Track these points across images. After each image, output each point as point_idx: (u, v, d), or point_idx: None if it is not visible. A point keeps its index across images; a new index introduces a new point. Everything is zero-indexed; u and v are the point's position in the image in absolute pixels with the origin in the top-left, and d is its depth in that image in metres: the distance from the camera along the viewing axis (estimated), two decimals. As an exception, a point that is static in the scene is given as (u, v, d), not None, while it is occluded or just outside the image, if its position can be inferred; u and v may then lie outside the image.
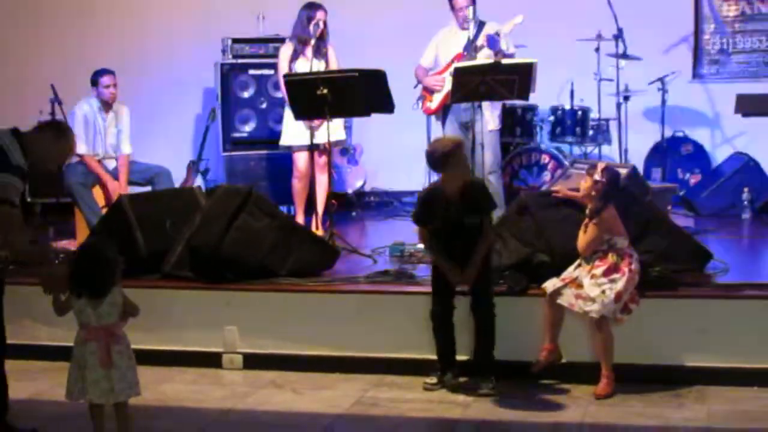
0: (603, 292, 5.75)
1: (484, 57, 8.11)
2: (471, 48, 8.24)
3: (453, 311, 6.08)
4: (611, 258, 5.81)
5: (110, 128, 8.81)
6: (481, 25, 8.33)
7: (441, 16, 8.57)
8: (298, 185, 8.71)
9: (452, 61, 8.26)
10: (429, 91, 8.59)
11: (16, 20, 11.13)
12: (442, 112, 8.56)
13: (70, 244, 8.22)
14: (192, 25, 10.80)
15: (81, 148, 8.55)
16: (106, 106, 8.76)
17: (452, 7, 8.38)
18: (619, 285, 5.76)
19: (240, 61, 9.96)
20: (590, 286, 5.80)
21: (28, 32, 11.11)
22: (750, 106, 8.49)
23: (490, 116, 8.33)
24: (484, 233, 5.94)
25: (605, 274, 5.79)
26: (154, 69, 10.83)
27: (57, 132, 5.49)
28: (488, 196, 6.13)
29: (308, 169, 8.59)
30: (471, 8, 8.20)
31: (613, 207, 5.82)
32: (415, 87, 8.83)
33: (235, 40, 9.98)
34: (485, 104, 8.10)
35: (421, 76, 8.66)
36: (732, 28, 10.36)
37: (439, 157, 5.94)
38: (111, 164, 8.80)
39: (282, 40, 8.93)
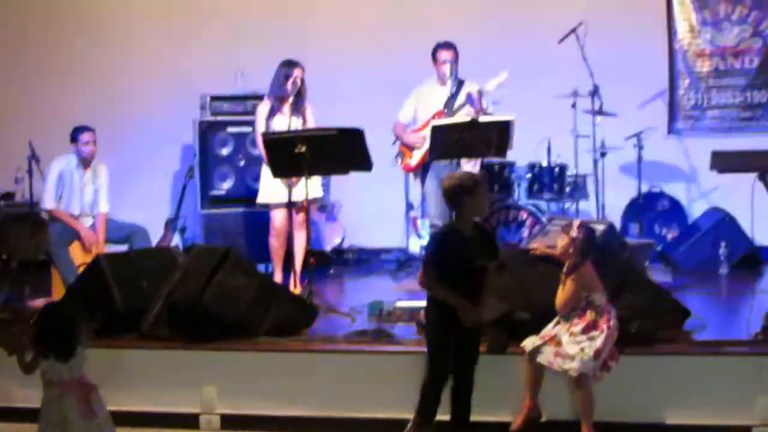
0: (582, 349, 5.73)
1: (464, 114, 8.14)
2: (450, 105, 8.27)
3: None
4: (590, 315, 5.81)
5: (87, 186, 8.78)
6: (460, 82, 8.39)
7: (419, 71, 8.62)
8: (275, 243, 8.67)
9: (432, 118, 8.28)
10: (408, 148, 8.59)
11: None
12: (422, 168, 8.58)
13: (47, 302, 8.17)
14: (170, 81, 10.83)
15: (49, 203, 8.54)
16: (85, 163, 8.75)
17: (435, 60, 8.43)
18: (598, 342, 5.74)
19: (218, 118, 9.94)
20: (569, 343, 5.78)
21: (6, 89, 11.13)
22: (725, 162, 8.49)
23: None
24: (487, 278, 5.83)
25: (584, 331, 5.78)
26: (132, 126, 10.86)
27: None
28: (496, 239, 6.08)
29: (285, 227, 8.54)
30: (452, 65, 8.27)
31: (590, 264, 5.83)
32: (394, 143, 8.85)
33: (214, 98, 9.96)
34: (464, 161, 8.12)
35: (400, 132, 8.67)
36: (706, 83, 10.46)
37: (458, 192, 5.74)
38: (88, 222, 8.75)
39: (260, 98, 8.92)
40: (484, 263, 5.77)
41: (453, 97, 8.27)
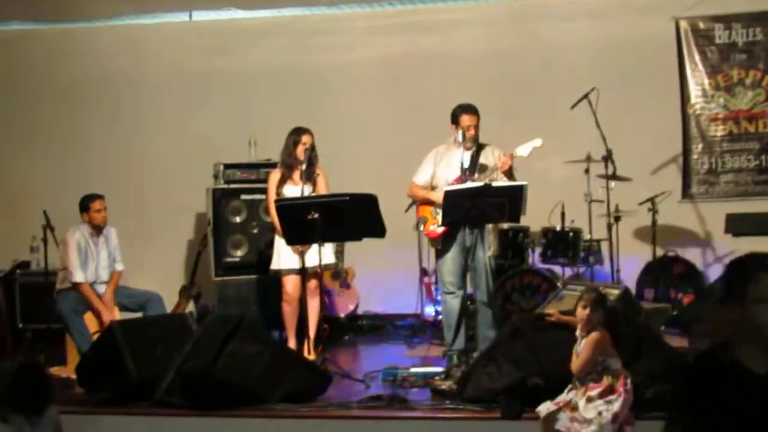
0: (600, 413, 5.72)
1: (485, 179, 8.06)
2: (471, 170, 8.17)
3: None
4: (606, 380, 5.79)
5: (102, 252, 8.87)
6: (480, 146, 8.30)
7: (431, 136, 8.60)
8: (287, 309, 8.68)
9: (455, 182, 8.13)
10: (433, 213, 8.43)
11: (11, 145, 11.29)
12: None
13: (61, 371, 8.20)
14: (183, 150, 10.97)
15: (78, 276, 8.61)
16: (97, 230, 8.83)
17: (455, 123, 8.26)
18: (616, 406, 5.73)
19: (232, 186, 10.00)
20: (586, 408, 5.76)
21: (21, 158, 11.26)
22: (740, 226, 8.57)
23: (492, 240, 8.31)
24: None
25: (601, 395, 5.76)
26: (146, 194, 10.98)
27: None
28: None
29: (297, 293, 8.57)
30: (474, 129, 8.18)
31: (605, 329, 5.83)
32: (408, 210, 8.82)
33: (227, 166, 10.03)
34: (489, 227, 8.14)
35: (423, 193, 8.40)
36: (720, 147, 10.49)
37: None
38: (102, 289, 8.82)
39: (273, 165, 8.98)
40: None
41: (472, 162, 8.20)
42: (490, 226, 8.17)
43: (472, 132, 8.16)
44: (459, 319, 8.13)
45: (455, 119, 8.29)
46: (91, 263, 8.79)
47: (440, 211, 8.04)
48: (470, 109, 8.25)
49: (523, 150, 8.04)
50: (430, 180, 8.40)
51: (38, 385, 4.92)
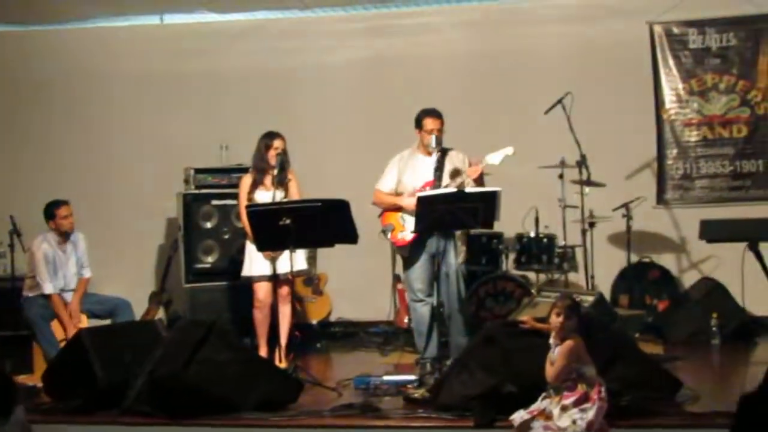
0: (574, 422, 5.69)
1: (451, 185, 8.00)
2: (438, 176, 8.13)
3: None
4: (581, 388, 5.77)
5: (70, 259, 8.81)
6: (444, 151, 8.18)
7: (404, 141, 8.57)
8: (259, 315, 8.62)
9: (423, 188, 8.05)
10: (400, 220, 8.36)
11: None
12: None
13: (28, 379, 8.11)
14: (154, 154, 10.92)
15: (48, 288, 8.56)
16: (64, 237, 8.76)
17: (419, 128, 8.21)
18: (590, 414, 5.70)
19: (203, 191, 9.97)
20: (560, 417, 5.74)
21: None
22: (715, 232, 8.55)
23: (462, 246, 8.21)
24: None
25: (576, 404, 5.74)
26: (115, 199, 10.91)
27: None
28: None
29: (269, 299, 8.53)
30: (438, 134, 8.07)
31: (579, 336, 5.81)
32: (381, 215, 8.77)
33: (198, 170, 10.00)
34: (458, 233, 8.09)
35: (389, 199, 8.31)
36: (695, 152, 10.52)
37: None
38: (71, 297, 8.75)
39: (245, 170, 8.94)
40: None
41: (438, 167, 8.13)
42: (458, 232, 8.10)
43: (434, 137, 8.03)
44: (430, 327, 8.09)
45: (419, 123, 8.24)
46: (60, 272, 8.72)
47: (408, 218, 8.00)
48: (433, 113, 8.17)
49: (494, 158, 7.90)
50: (395, 186, 8.33)
51: (1, 387, 4.86)
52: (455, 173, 8.10)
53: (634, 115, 10.44)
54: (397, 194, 8.30)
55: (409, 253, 8.20)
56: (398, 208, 8.27)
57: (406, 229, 8.12)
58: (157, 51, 11.22)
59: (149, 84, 11.15)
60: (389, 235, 8.28)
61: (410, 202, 7.92)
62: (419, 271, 8.15)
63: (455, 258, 8.03)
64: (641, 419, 6.19)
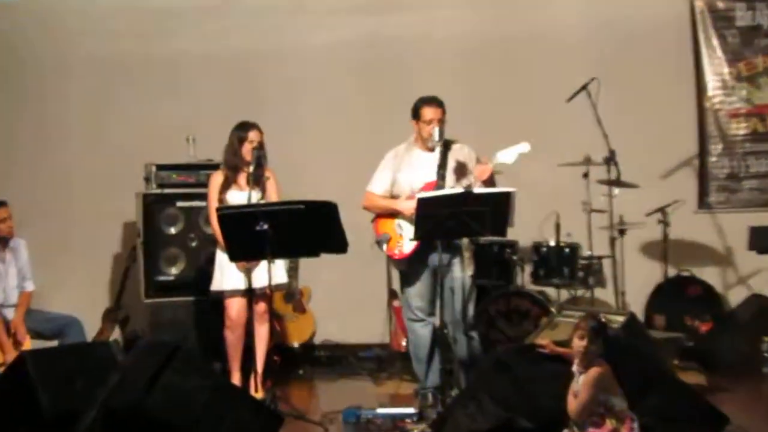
0: (601, 464, 5.73)
1: (456, 184, 7.99)
2: (441, 174, 8.10)
3: None
4: (609, 423, 5.81)
5: (10, 268, 8.80)
6: (447, 145, 8.15)
7: (404, 136, 8.54)
8: (231, 337, 8.63)
9: (427, 188, 8.01)
10: (396, 229, 8.36)
11: None
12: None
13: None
14: (110, 148, 10.88)
15: None
16: (2, 243, 8.77)
17: (416, 119, 8.17)
18: (619, 455, 5.75)
19: (166, 190, 9.94)
20: (585, 457, 5.78)
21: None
22: (766, 240, 8.58)
23: (469, 259, 8.19)
24: None
25: (603, 442, 5.78)
26: (63, 200, 10.89)
27: None
28: None
29: (243, 318, 8.54)
30: (439, 125, 8.01)
31: (606, 362, 5.83)
32: (373, 221, 8.76)
33: (160, 167, 9.97)
34: (465, 243, 8.09)
35: (383, 203, 8.28)
36: (742, 148, 10.54)
37: None
38: (11, 313, 8.75)
39: (216, 167, 8.94)
40: None
41: (442, 165, 8.09)
42: (466, 241, 8.10)
43: (435, 129, 7.98)
44: (431, 351, 8.10)
45: (416, 113, 8.19)
46: (-1, 283, 8.75)
47: (406, 226, 7.99)
48: (433, 101, 8.11)
49: (506, 156, 7.77)
50: (390, 187, 8.30)
51: None
52: (461, 169, 8.08)
53: (672, 104, 10.48)
54: (393, 197, 8.29)
55: (408, 267, 8.20)
56: (394, 214, 8.24)
57: (405, 239, 8.09)
58: (114, 31, 11.17)
59: (105, 68, 11.09)
60: (385, 248, 8.24)
61: (408, 206, 7.90)
62: (420, 286, 8.14)
63: (462, 271, 8.03)
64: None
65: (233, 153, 8.60)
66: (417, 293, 8.16)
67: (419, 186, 8.09)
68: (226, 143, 8.68)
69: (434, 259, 7.88)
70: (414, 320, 8.22)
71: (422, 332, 8.19)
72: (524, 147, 7.75)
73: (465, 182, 7.90)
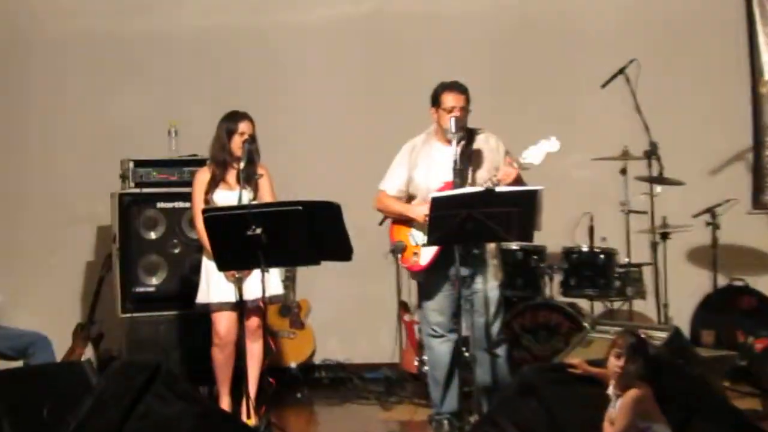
0: (641, 500, 5.73)
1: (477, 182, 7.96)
2: (462, 171, 8.00)
3: None
4: (650, 454, 5.80)
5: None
6: (471, 134, 8.14)
7: (415, 126, 8.51)
8: (219, 356, 8.64)
9: (444, 188, 7.91)
10: (410, 238, 8.33)
11: None
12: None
13: None
14: (81, 142, 10.92)
15: None
16: (-35, 249, 8.81)
17: (436, 107, 8.13)
18: (663, 488, 5.75)
19: (145, 190, 9.94)
20: (623, 492, 5.77)
21: None
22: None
23: (495, 267, 8.19)
24: None
25: (644, 474, 5.78)
26: (29, 201, 10.93)
27: None
28: None
29: (233, 335, 8.55)
30: (462, 115, 7.97)
31: (647, 384, 5.82)
32: (382, 223, 8.74)
33: (139, 163, 9.96)
34: (491, 249, 8.09)
35: (396, 208, 8.30)
36: (804, 136, 10.53)
37: None
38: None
39: (202, 162, 8.95)
40: None
41: (461, 159, 8.00)
42: (492, 246, 8.09)
43: (454, 119, 7.93)
44: (450, 372, 8.10)
45: (435, 100, 8.15)
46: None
47: (419, 234, 7.99)
48: (456, 87, 8.08)
49: (533, 155, 7.73)
50: (405, 187, 8.31)
51: None
52: (484, 164, 8.03)
53: (722, 90, 10.47)
54: (410, 198, 8.28)
55: (426, 278, 8.21)
56: (408, 220, 8.25)
57: (420, 250, 8.10)
58: (88, 7, 11.20)
59: (76, 51, 11.12)
60: (400, 257, 8.28)
61: (421, 212, 7.92)
62: (440, 299, 8.13)
63: (485, 281, 8.00)
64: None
65: (221, 147, 8.59)
66: (436, 307, 8.16)
67: (437, 186, 8.02)
68: (212, 136, 8.68)
69: (455, 265, 7.75)
70: (432, 336, 8.22)
71: (441, 349, 8.18)
72: (553, 145, 7.71)
73: (487, 179, 7.86)
